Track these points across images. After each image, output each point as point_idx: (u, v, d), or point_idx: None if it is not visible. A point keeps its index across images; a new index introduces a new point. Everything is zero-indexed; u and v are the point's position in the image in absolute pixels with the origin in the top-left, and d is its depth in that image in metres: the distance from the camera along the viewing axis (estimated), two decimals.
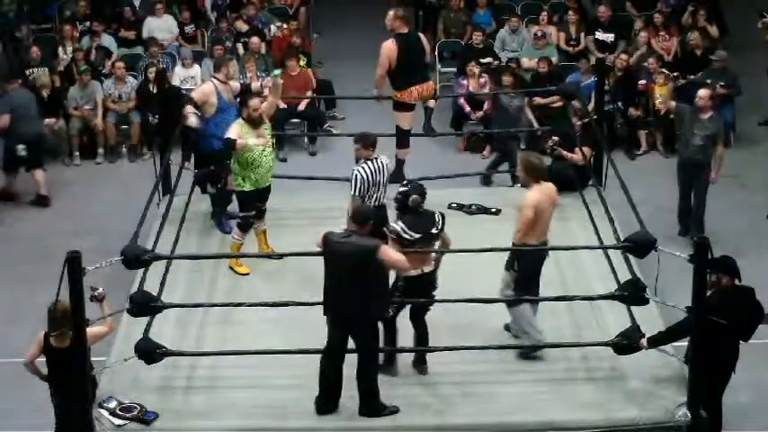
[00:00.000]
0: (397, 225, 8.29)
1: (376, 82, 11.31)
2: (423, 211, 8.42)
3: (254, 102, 9.86)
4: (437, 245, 8.50)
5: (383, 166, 9.46)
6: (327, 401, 8.18)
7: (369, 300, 7.93)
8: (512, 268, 8.70)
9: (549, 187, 8.80)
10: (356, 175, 9.30)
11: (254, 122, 9.81)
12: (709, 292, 7.97)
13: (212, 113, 10.45)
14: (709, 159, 11.53)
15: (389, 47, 11.03)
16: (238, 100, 10.53)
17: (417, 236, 8.25)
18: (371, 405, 8.15)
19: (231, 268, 10.09)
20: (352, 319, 7.97)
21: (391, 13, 11.19)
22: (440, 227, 8.40)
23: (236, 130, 9.77)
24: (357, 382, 8.11)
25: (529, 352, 8.77)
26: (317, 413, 8.16)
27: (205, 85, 10.81)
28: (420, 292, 8.43)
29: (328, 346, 8.10)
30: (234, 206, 10.55)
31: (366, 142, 9.45)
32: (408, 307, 8.56)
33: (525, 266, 8.70)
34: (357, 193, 9.28)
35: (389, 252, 7.86)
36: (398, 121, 11.41)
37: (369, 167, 9.35)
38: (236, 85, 10.73)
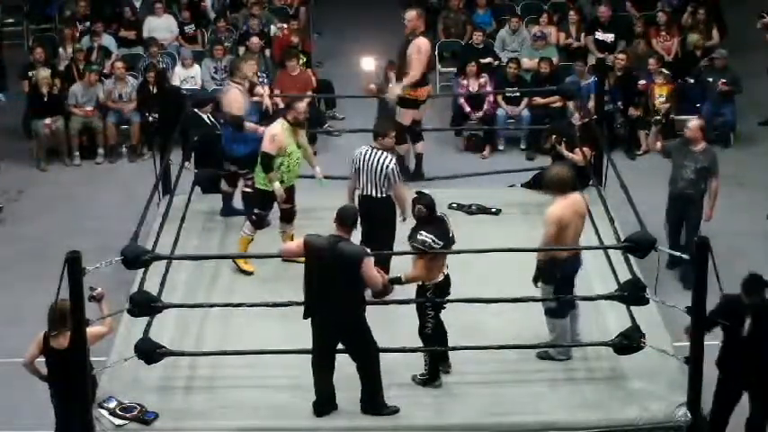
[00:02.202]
0: (427, 237, 8.23)
1: (409, 83, 11.26)
2: (436, 218, 8.42)
3: (301, 105, 9.91)
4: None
5: (372, 158, 9.44)
6: (325, 405, 8.18)
7: (355, 302, 7.95)
8: (543, 282, 8.63)
9: (575, 199, 8.64)
10: None
11: (299, 125, 9.88)
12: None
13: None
14: (701, 194, 10.72)
15: (428, 45, 11.20)
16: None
17: (443, 243, 8.27)
18: (373, 403, 8.15)
19: (236, 264, 10.08)
20: (341, 323, 7.98)
21: (414, 12, 11.28)
22: (452, 229, 8.42)
23: (281, 137, 9.72)
24: (361, 381, 8.11)
25: (544, 354, 8.80)
26: (316, 416, 8.17)
27: (232, 93, 10.63)
28: (443, 294, 8.44)
29: (318, 353, 8.10)
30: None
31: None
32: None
33: (561, 278, 8.63)
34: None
35: (371, 269, 7.91)
36: (402, 117, 11.46)
37: (362, 152, 9.53)
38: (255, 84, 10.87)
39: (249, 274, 10.05)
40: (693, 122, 10.88)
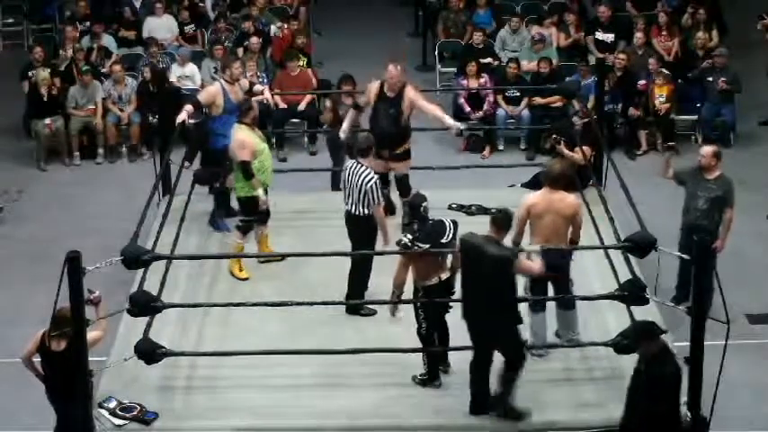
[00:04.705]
0: (405, 237, 8.23)
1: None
2: (431, 221, 8.39)
3: (256, 105, 9.91)
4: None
5: (355, 174, 9.21)
6: (480, 406, 8.11)
7: (502, 306, 7.87)
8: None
9: (560, 197, 8.65)
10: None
11: (256, 124, 9.87)
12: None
13: (219, 113, 10.48)
14: (716, 225, 10.09)
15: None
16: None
17: (426, 246, 8.19)
18: (498, 406, 8.09)
19: (231, 273, 10.07)
20: (491, 331, 7.96)
21: (399, 67, 10.20)
22: (451, 235, 8.30)
23: (250, 141, 9.75)
24: (497, 381, 8.08)
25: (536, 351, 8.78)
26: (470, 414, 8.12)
27: (211, 86, 10.82)
28: (442, 297, 8.39)
29: (474, 357, 8.07)
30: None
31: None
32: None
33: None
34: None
35: (525, 264, 8.04)
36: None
37: (348, 166, 9.39)
38: (244, 83, 10.82)
39: (245, 280, 10.03)
40: (707, 149, 10.28)
